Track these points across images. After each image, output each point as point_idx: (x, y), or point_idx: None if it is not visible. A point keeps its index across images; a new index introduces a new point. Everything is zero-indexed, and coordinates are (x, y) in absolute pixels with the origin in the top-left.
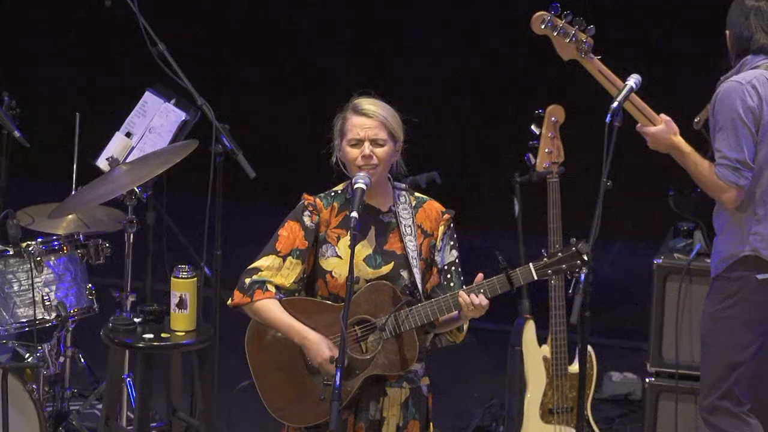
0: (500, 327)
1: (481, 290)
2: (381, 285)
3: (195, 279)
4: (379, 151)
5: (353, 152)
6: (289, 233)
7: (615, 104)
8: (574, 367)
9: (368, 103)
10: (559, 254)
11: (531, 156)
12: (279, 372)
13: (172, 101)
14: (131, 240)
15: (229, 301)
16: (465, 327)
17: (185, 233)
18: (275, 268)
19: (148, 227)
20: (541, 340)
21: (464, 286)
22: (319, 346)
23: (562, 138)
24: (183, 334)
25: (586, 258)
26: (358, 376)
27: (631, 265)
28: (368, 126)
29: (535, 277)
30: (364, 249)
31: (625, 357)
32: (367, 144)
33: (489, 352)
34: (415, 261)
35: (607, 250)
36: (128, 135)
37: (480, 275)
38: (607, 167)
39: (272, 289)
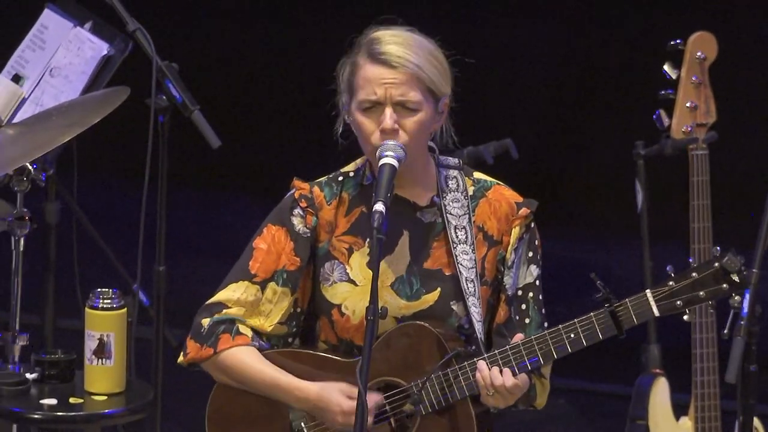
0: (614, 389)
1: (512, 362)
2: (416, 329)
3: (124, 311)
4: (409, 121)
5: (367, 123)
6: (271, 246)
7: None
8: None
9: (391, 41)
10: (694, 274)
11: (663, 114)
12: None
13: (87, 25)
14: (21, 248)
15: (181, 358)
16: (541, 397)
17: (108, 237)
18: (249, 303)
19: (49, 228)
20: (680, 410)
21: (545, 325)
22: (331, 397)
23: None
24: (105, 399)
25: (736, 279)
26: None
27: None
28: (390, 81)
29: (657, 313)
30: (391, 269)
31: None
32: (389, 112)
33: (596, 428)
34: (471, 286)
35: None
36: (16, 79)
37: (519, 336)
38: None
39: (247, 331)
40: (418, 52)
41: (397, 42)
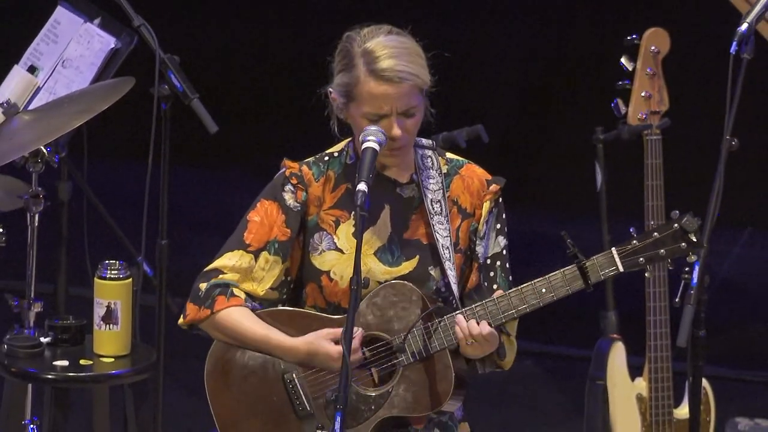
0: (575, 352)
1: (487, 314)
2: (399, 286)
3: (129, 281)
4: (411, 123)
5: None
6: (264, 218)
7: (743, 27)
8: (683, 411)
9: (389, 58)
10: (655, 234)
11: (620, 102)
12: (254, 419)
13: (96, 21)
14: (36, 223)
15: (181, 320)
16: (509, 355)
17: (115, 214)
18: (243, 270)
19: (61, 205)
20: (635, 371)
21: (511, 289)
22: (320, 347)
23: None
24: (112, 360)
25: (694, 238)
26: (368, 419)
27: (766, 263)
28: (395, 96)
29: (621, 269)
30: (374, 239)
31: (756, 395)
32: (395, 122)
33: (558, 388)
34: (448, 253)
35: (731, 242)
36: (32, 70)
37: (499, 292)
38: (731, 119)
39: (240, 294)
40: (410, 60)
41: (392, 55)
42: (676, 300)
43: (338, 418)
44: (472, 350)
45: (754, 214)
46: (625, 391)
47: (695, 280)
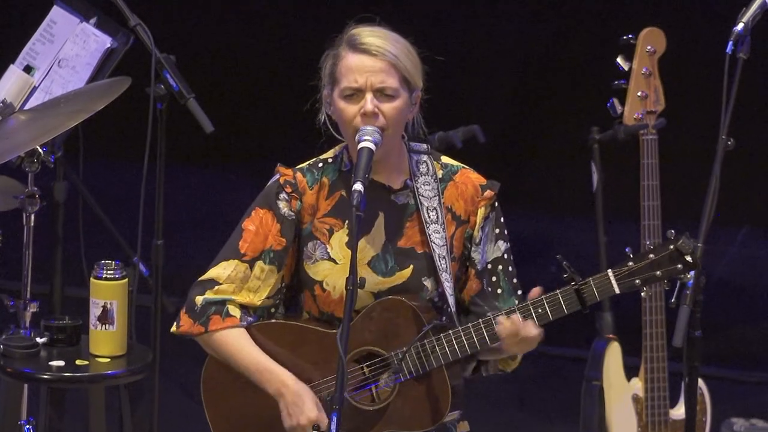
0: (571, 352)
1: (532, 313)
2: (395, 303)
3: (125, 281)
4: (388, 107)
5: (349, 108)
6: (258, 227)
7: (739, 27)
8: (679, 411)
9: (370, 35)
10: (651, 255)
11: (616, 102)
12: (250, 430)
13: (92, 21)
14: (32, 223)
15: (174, 328)
16: (520, 354)
17: (111, 214)
18: (239, 280)
19: (57, 205)
20: (631, 372)
21: (518, 293)
22: (300, 400)
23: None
24: (108, 360)
25: (690, 260)
26: None
27: (763, 263)
28: (370, 69)
29: (617, 291)
30: (368, 248)
31: (752, 396)
32: (369, 96)
33: (555, 388)
34: (443, 262)
35: (727, 241)
36: (27, 69)
37: (536, 290)
38: (727, 119)
39: (236, 312)
40: (395, 44)
41: (375, 35)
42: (672, 300)
43: (334, 418)
44: (517, 348)
45: (750, 214)
46: (621, 391)
47: (691, 280)
